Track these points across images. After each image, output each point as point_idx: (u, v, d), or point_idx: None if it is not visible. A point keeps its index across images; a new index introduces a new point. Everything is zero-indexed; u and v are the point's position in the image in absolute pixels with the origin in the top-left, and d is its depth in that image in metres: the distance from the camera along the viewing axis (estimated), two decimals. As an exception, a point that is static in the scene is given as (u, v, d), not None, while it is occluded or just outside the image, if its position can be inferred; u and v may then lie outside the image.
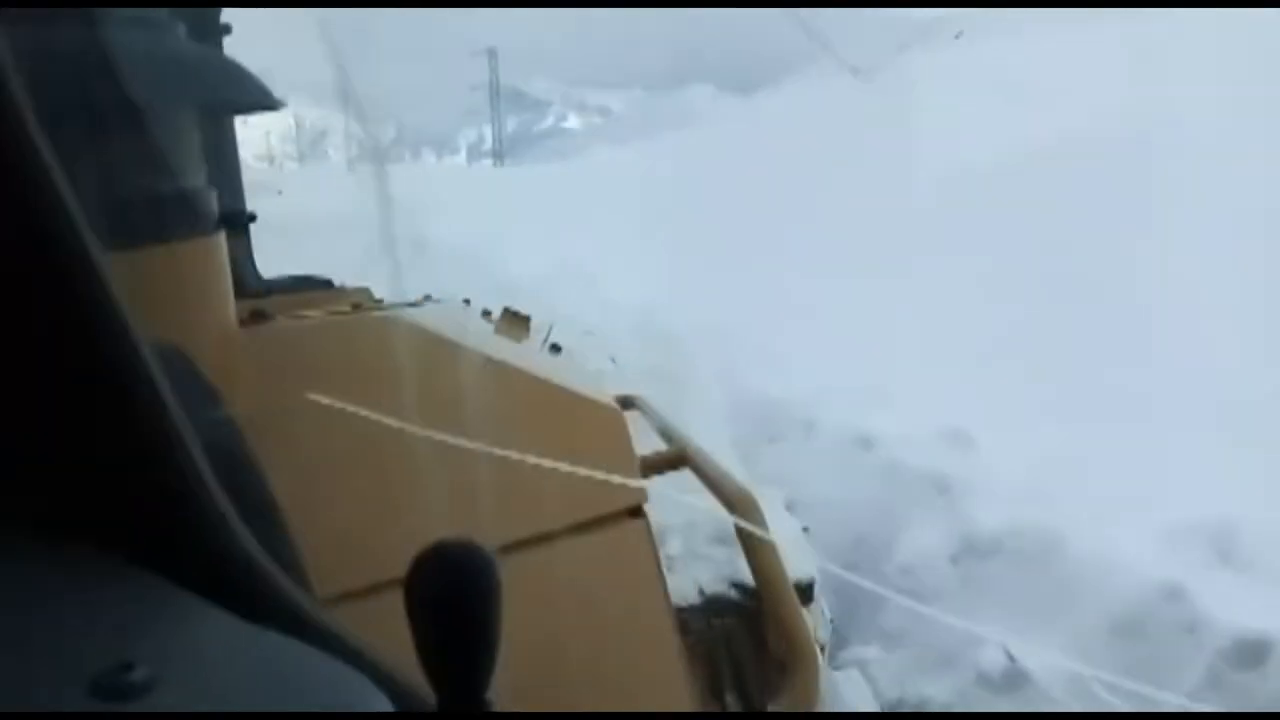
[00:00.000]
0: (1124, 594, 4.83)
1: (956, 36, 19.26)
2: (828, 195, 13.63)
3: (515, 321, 2.55)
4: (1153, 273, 7.93)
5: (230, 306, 1.45)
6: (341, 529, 1.36)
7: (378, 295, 3.11)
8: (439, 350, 1.66)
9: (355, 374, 1.54)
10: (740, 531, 1.99)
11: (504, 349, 2.09)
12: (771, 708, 1.96)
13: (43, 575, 0.57)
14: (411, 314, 1.92)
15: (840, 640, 5.25)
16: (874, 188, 12.73)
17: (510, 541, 1.52)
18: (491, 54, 47.06)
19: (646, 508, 1.84)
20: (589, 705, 1.53)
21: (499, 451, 1.40)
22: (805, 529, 5.97)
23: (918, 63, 17.38)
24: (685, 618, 3.86)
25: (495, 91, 47.71)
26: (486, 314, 2.93)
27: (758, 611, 2.49)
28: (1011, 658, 4.74)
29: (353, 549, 1.30)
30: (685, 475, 2.32)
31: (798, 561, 5.21)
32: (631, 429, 2.04)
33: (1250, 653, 4.37)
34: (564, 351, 2.60)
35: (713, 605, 4.07)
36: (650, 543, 1.81)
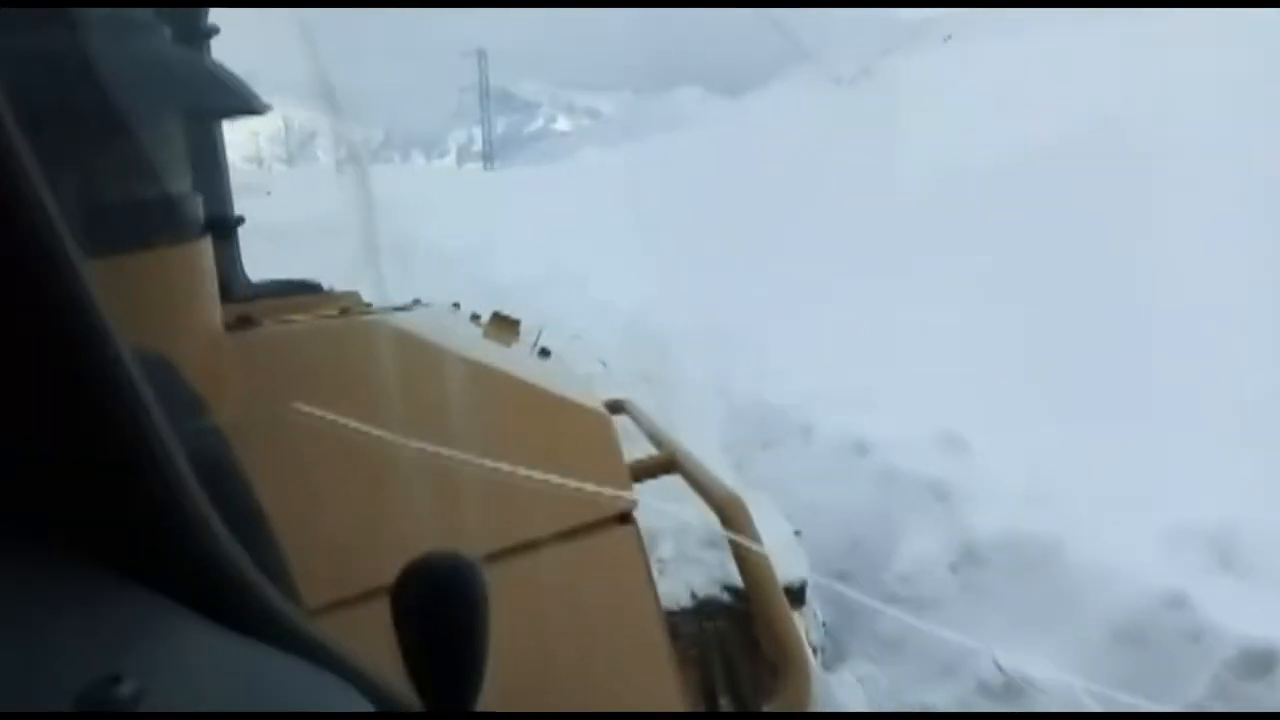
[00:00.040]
0: (1125, 601, 4.79)
1: (946, 39, 19.33)
2: (818, 197, 13.65)
3: (504, 325, 2.54)
4: (1149, 273, 7.88)
5: (216, 312, 1.44)
6: (329, 537, 1.35)
7: (366, 299, 3.10)
8: (426, 356, 1.66)
9: (342, 380, 1.53)
10: (729, 536, 1.99)
11: (493, 353, 2.09)
12: (765, 710, 1.95)
13: (27, 587, 0.56)
14: (400, 319, 1.91)
15: (838, 649, 5.23)
16: (865, 189, 12.74)
17: (499, 549, 1.51)
18: (481, 55, 47.01)
19: (636, 513, 1.83)
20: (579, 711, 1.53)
21: (488, 464, 1.39)
22: (797, 532, 5.97)
23: (907, 65, 17.44)
24: (677, 621, 3.87)
25: (484, 93, 47.65)
26: (475, 317, 2.92)
27: (750, 614, 2.48)
28: (1001, 669, 4.72)
29: (341, 557, 1.29)
30: (675, 480, 2.32)
31: (789, 564, 5.22)
32: (620, 434, 2.04)
33: (1257, 662, 4.33)
34: (553, 355, 2.59)
35: (705, 608, 4.07)
36: (640, 548, 1.80)
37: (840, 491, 6.37)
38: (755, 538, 1.99)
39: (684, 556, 4.13)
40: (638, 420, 2.75)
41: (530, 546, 1.56)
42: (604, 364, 7.45)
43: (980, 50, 15.92)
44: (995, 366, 7.30)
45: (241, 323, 1.59)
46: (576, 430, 1.80)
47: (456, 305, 3.51)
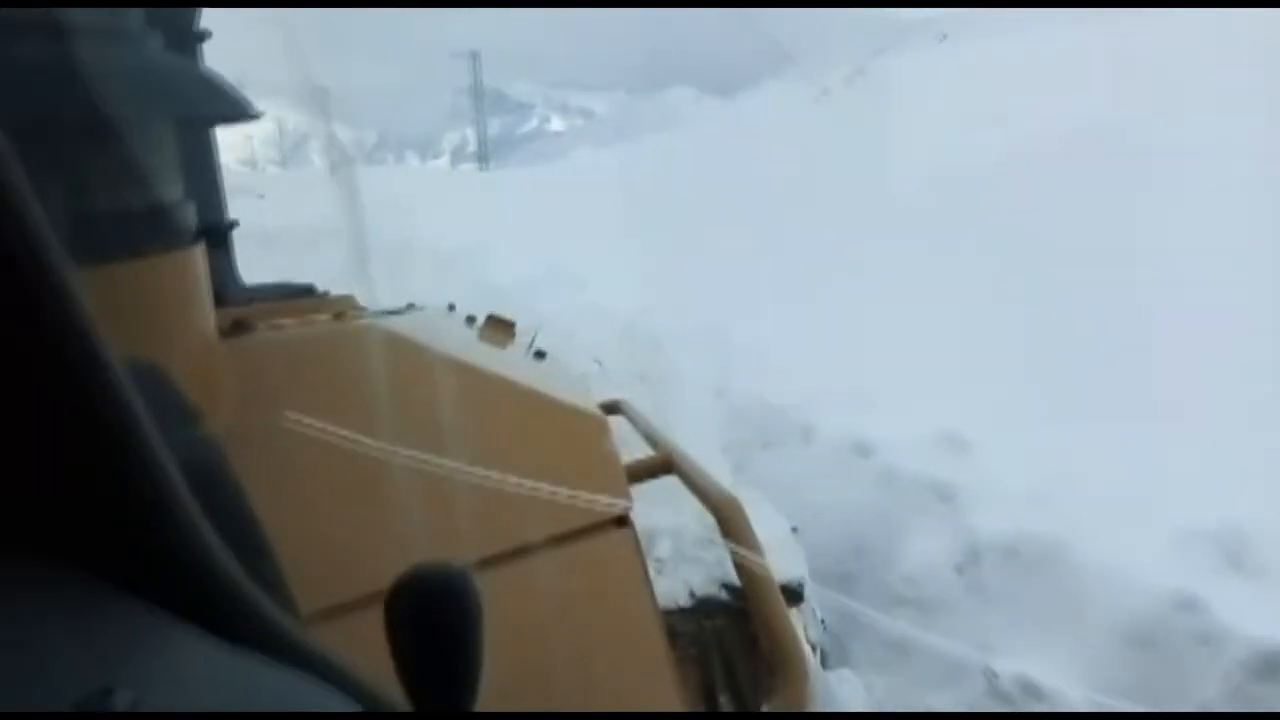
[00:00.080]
0: (1134, 603, 4.75)
1: (941, 39, 19.33)
2: (812, 197, 13.64)
3: (500, 327, 2.54)
4: (1152, 273, 7.85)
5: (210, 319, 1.44)
6: (324, 543, 1.35)
7: (361, 301, 3.09)
8: (421, 360, 1.65)
9: (337, 385, 1.52)
10: (726, 537, 1.99)
11: (488, 356, 2.09)
12: (765, 709, 1.95)
13: (19, 599, 0.56)
14: (394, 322, 1.91)
15: (841, 654, 5.19)
16: (860, 189, 12.72)
17: (494, 554, 1.51)
18: (474, 56, 46.95)
19: (633, 515, 1.83)
20: None
21: (483, 469, 1.39)
22: (794, 529, 5.96)
23: (902, 64, 17.44)
24: (676, 620, 3.87)
25: (478, 94, 47.59)
26: (471, 320, 2.91)
27: (748, 611, 2.49)
28: (994, 675, 4.68)
29: (337, 563, 1.28)
30: (674, 479, 2.32)
31: (786, 562, 5.21)
32: (617, 434, 2.04)
33: (1269, 663, 4.29)
34: (549, 357, 2.59)
35: (703, 607, 4.07)
36: (637, 551, 1.80)
37: (843, 492, 6.32)
38: (752, 538, 2.00)
39: (682, 555, 4.13)
40: (634, 421, 2.74)
41: (526, 551, 1.56)
42: (599, 363, 7.44)
43: (976, 50, 15.90)
44: (997, 367, 7.25)
45: (236, 328, 1.58)
46: (572, 433, 1.80)
47: (452, 307, 3.50)
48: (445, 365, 1.69)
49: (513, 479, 1.46)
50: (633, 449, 2.46)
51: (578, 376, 4.12)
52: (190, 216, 1.37)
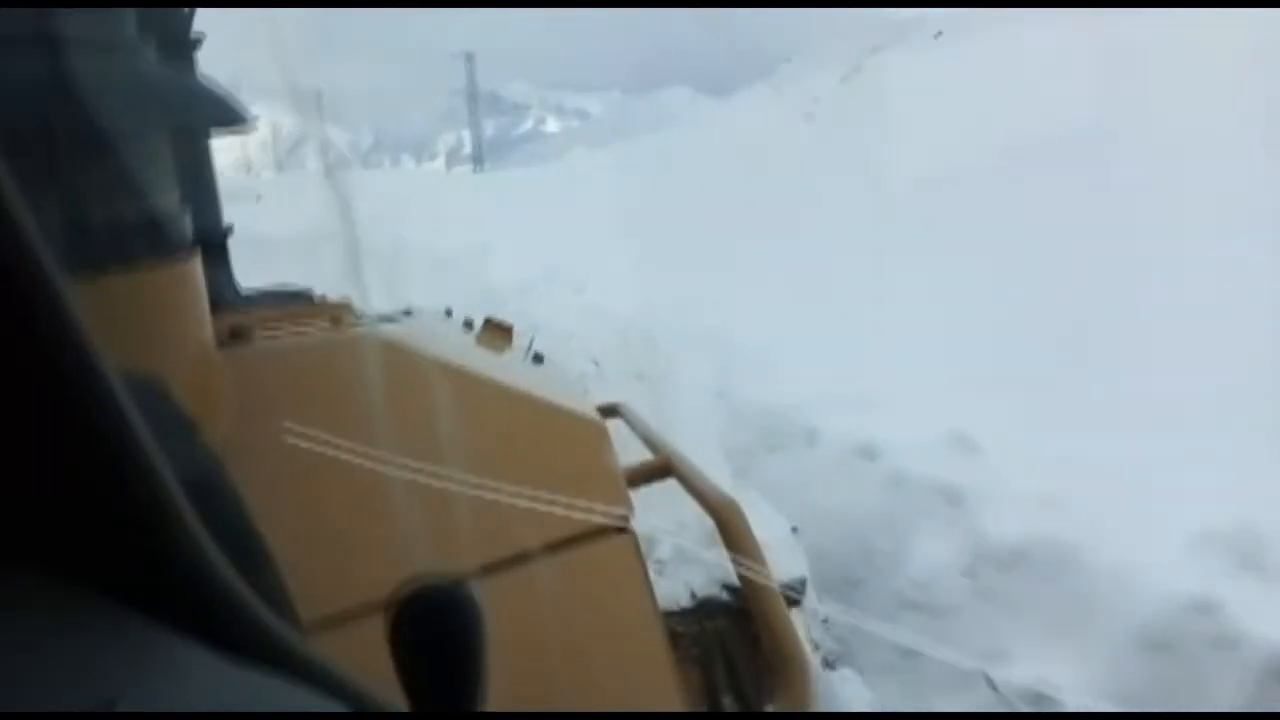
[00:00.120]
0: (1149, 606, 4.68)
1: (937, 35, 19.32)
2: (810, 196, 13.62)
3: (497, 332, 2.54)
4: (1163, 272, 7.78)
5: (208, 329, 1.43)
6: (326, 550, 1.35)
7: (358, 306, 3.09)
8: (419, 367, 1.65)
9: (335, 394, 1.52)
10: (725, 540, 1.99)
11: (485, 362, 2.09)
12: (768, 709, 1.95)
13: (17, 614, 0.56)
14: (391, 329, 1.91)
15: (850, 656, 5.14)
16: (859, 187, 12.69)
17: (494, 561, 1.50)
18: (469, 58, 46.89)
19: (633, 520, 1.83)
20: None
21: (482, 476, 1.39)
22: (794, 529, 5.95)
23: (897, 62, 17.42)
24: (678, 622, 3.87)
25: (473, 96, 47.54)
26: (468, 324, 2.91)
27: (749, 611, 2.49)
28: (995, 689, 4.63)
29: (338, 571, 1.28)
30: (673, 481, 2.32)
31: (787, 561, 5.21)
32: (615, 437, 2.04)
33: None
34: (547, 360, 2.59)
35: (705, 607, 4.07)
36: (637, 557, 1.80)
37: (850, 496, 6.24)
38: (752, 541, 2.00)
39: (682, 556, 4.13)
40: (632, 424, 2.74)
41: (525, 558, 1.56)
42: (596, 363, 7.45)
43: (972, 47, 15.89)
44: (1002, 369, 7.17)
45: (234, 336, 1.58)
46: (571, 438, 1.80)
47: (449, 312, 3.50)
48: (443, 372, 1.69)
49: (512, 486, 1.46)
50: (631, 452, 2.46)
51: (576, 380, 4.12)
52: (186, 226, 1.37)
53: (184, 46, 2.61)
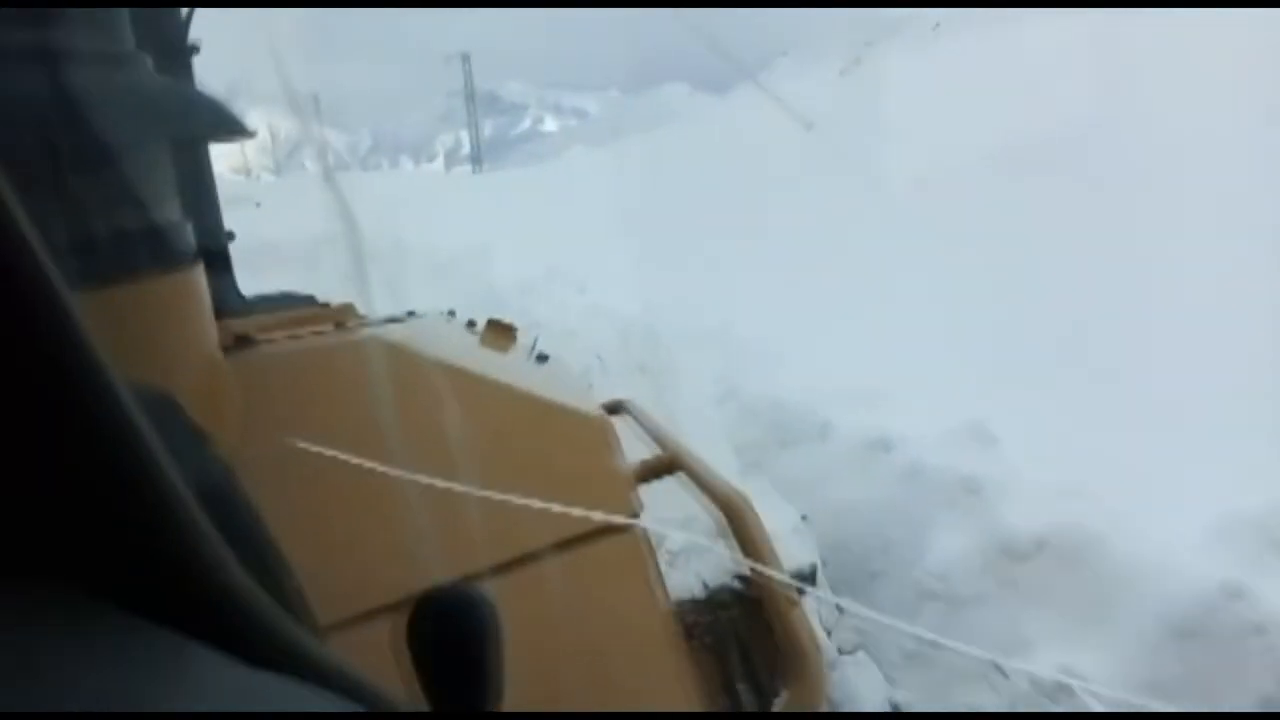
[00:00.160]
0: (1178, 593, 4.62)
1: (935, 27, 19.27)
2: (812, 191, 13.58)
3: (500, 332, 2.54)
4: (1178, 264, 7.71)
5: (213, 336, 1.44)
6: (337, 554, 1.35)
7: (361, 309, 3.09)
8: (425, 369, 1.65)
9: (342, 397, 1.53)
10: (734, 533, 1.99)
11: (490, 362, 2.09)
12: (782, 698, 1.95)
13: (38, 627, 0.56)
14: (396, 331, 1.91)
15: (871, 648, 5.10)
16: (861, 181, 12.63)
17: (504, 561, 1.51)
18: (465, 59, 46.81)
19: (642, 515, 1.83)
20: None
21: (491, 477, 1.39)
22: (804, 517, 5.94)
23: (895, 55, 17.37)
24: (691, 612, 3.88)
25: (471, 97, 47.49)
26: (471, 325, 2.91)
27: (761, 599, 2.49)
28: (1005, 675, 4.60)
29: (352, 574, 1.28)
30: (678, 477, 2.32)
31: (797, 549, 5.20)
32: (621, 433, 2.04)
33: None
34: (551, 359, 2.59)
35: (716, 597, 4.09)
36: (647, 553, 1.80)
37: (866, 489, 6.19)
38: (761, 533, 2.00)
39: (694, 546, 4.14)
40: (639, 420, 2.74)
41: (535, 557, 1.56)
42: (600, 358, 7.44)
43: (972, 43, 15.83)
44: (1013, 359, 7.14)
45: (239, 343, 1.58)
46: (578, 437, 1.80)
47: (452, 313, 3.50)
48: (449, 374, 1.69)
49: (520, 486, 1.46)
50: (637, 448, 2.46)
51: (581, 377, 4.12)
52: (188, 235, 1.37)
53: (181, 54, 2.62)
